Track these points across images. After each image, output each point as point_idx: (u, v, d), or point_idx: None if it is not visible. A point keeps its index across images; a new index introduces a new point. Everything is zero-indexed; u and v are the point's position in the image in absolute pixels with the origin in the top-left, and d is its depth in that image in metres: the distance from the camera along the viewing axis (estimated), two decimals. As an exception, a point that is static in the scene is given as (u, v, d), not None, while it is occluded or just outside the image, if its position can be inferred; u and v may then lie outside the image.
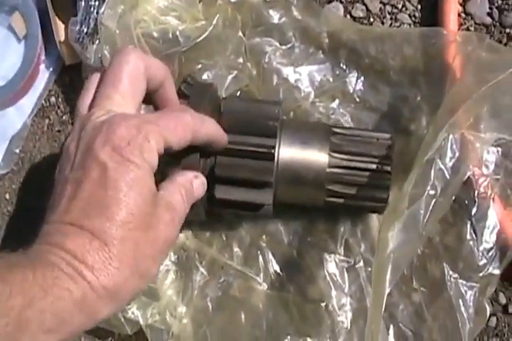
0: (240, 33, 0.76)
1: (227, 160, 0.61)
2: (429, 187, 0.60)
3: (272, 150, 0.62)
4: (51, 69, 0.80)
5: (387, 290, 0.56)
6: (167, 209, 0.51)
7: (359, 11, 0.79)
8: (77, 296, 0.45)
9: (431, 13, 0.78)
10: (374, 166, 0.64)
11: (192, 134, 0.54)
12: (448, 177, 0.61)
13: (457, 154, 0.62)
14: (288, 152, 0.64)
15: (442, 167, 0.61)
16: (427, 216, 0.59)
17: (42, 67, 0.79)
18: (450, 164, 0.61)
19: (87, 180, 0.48)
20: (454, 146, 0.62)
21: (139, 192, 0.48)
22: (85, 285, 0.45)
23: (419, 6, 0.79)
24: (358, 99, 0.75)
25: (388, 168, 0.64)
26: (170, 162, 0.59)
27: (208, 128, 0.57)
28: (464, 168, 0.62)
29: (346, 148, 0.64)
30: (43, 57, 0.79)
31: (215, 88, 0.68)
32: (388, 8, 0.79)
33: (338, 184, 0.64)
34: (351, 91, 0.75)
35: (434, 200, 0.60)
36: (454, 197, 0.62)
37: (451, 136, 0.61)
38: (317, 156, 0.64)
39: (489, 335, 0.70)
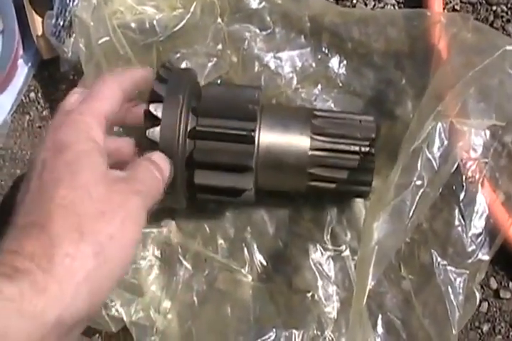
0: (219, 20, 0.74)
1: (206, 144, 0.60)
2: (415, 178, 0.58)
3: (252, 133, 0.60)
4: (29, 64, 0.78)
5: (373, 282, 0.55)
6: (130, 185, 0.49)
7: (342, -5, 0.78)
8: (12, 294, 0.39)
9: (416, -5, 0.77)
10: (357, 148, 0.62)
11: (121, 91, 0.55)
12: (436, 167, 0.59)
13: (446, 143, 0.60)
14: (268, 136, 0.62)
15: (430, 157, 0.59)
16: (413, 207, 0.58)
17: (20, 62, 0.78)
18: (438, 154, 0.60)
19: (32, 178, 0.47)
20: (443, 135, 0.60)
21: (84, 173, 0.47)
22: (21, 278, 0.40)
23: (403, -12, 0.77)
24: (341, 84, 0.73)
25: (372, 150, 0.62)
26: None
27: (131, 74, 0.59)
28: (452, 158, 0.60)
29: (328, 130, 0.63)
30: (20, 52, 0.78)
31: (194, 73, 0.66)
32: (373, -10, 0.77)
33: (321, 167, 0.63)
34: (334, 76, 0.73)
35: (420, 191, 0.58)
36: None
37: (439, 124, 0.60)
38: (298, 139, 0.62)
39: (481, 321, 0.69)
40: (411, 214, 0.58)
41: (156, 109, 0.59)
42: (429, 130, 0.60)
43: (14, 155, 0.77)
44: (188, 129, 0.60)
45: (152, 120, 0.59)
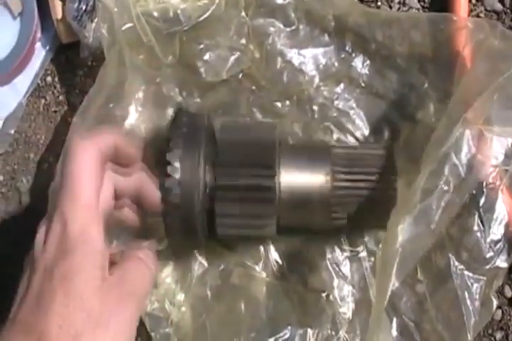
0: (243, 13, 0.73)
1: (226, 196, 0.59)
2: (442, 183, 0.58)
3: (273, 183, 0.59)
4: (47, 47, 0.77)
5: (396, 285, 0.55)
6: (124, 294, 0.50)
7: (368, -5, 0.77)
8: None
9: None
10: (379, 183, 0.62)
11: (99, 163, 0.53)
12: (462, 173, 0.59)
13: (473, 150, 0.60)
14: (289, 178, 0.61)
15: (457, 162, 0.59)
16: (439, 212, 0.57)
17: (38, 45, 0.77)
18: (465, 160, 0.59)
19: (33, 279, 0.48)
20: (470, 142, 0.60)
21: (79, 286, 0.47)
22: None
23: (428, -9, 0.77)
24: (363, 84, 0.73)
25: (395, 185, 0.62)
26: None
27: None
28: (479, 165, 0.60)
29: (348, 168, 0.62)
30: (38, 35, 0.77)
31: (205, 118, 0.64)
32: (398, -8, 0.77)
33: (343, 205, 0.62)
34: (357, 76, 0.73)
35: (446, 196, 0.58)
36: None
37: (467, 131, 0.59)
38: (319, 180, 0.62)
39: (494, 328, 0.69)
40: (436, 218, 0.57)
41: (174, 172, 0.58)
42: (456, 136, 0.59)
43: (28, 138, 0.76)
44: (207, 181, 0.59)
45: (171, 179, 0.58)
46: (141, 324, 0.65)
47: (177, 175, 0.58)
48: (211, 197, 0.59)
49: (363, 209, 0.62)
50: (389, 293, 0.55)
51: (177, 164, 0.58)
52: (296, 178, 0.62)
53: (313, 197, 0.61)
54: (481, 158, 0.61)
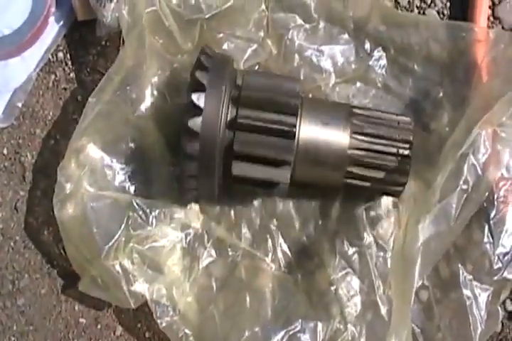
0: (263, 6, 0.73)
1: (246, 136, 0.59)
2: (461, 182, 0.60)
3: (293, 128, 0.60)
4: (61, 23, 0.75)
5: (420, 282, 0.57)
6: None
7: (387, 1, 0.77)
8: None
9: (460, 12, 0.76)
10: (395, 150, 0.63)
11: None
12: (480, 172, 0.61)
13: (489, 150, 0.62)
14: (309, 131, 0.62)
15: (475, 162, 0.61)
16: (459, 210, 0.59)
17: (51, 19, 0.75)
18: (483, 159, 0.61)
19: None
20: (487, 143, 0.61)
21: None
22: None
23: (448, 4, 0.77)
24: (379, 85, 0.73)
25: (408, 153, 0.63)
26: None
27: None
28: (496, 165, 0.62)
29: (367, 129, 0.63)
30: (53, 10, 0.75)
31: (232, 59, 0.65)
32: (417, 2, 0.77)
33: (358, 166, 0.63)
34: (374, 76, 0.73)
35: (465, 195, 0.60)
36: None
37: (483, 132, 0.61)
38: (338, 137, 0.62)
39: (493, 340, 0.69)
40: (456, 216, 0.59)
41: (199, 99, 0.58)
42: (474, 137, 0.61)
43: (35, 113, 0.74)
44: (228, 120, 0.60)
45: (194, 110, 0.58)
46: (139, 313, 0.65)
47: (201, 103, 0.58)
48: (230, 137, 0.60)
49: (377, 174, 0.63)
50: (413, 292, 0.58)
51: (202, 99, 0.59)
52: (315, 132, 0.62)
53: (330, 153, 0.62)
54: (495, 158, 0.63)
